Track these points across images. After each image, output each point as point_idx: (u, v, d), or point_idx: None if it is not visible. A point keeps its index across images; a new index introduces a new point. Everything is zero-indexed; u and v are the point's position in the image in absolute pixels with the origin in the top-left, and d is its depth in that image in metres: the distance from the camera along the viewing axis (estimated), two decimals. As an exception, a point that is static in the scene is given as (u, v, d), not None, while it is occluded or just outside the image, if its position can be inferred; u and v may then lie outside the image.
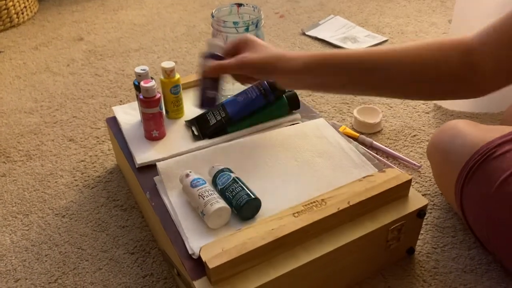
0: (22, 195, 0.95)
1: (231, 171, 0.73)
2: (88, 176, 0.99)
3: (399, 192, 0.72)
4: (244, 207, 0.67)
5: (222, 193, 0.70)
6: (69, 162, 1.03)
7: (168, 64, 0.86)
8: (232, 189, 0.69)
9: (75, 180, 0.98)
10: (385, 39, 1.50)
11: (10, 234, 0.86)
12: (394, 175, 0.71)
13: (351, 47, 1.45)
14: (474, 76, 0.56)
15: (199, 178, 0.71)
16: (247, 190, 0.68)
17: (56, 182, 0.98)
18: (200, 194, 0.68)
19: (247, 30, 0.87)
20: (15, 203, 0.93)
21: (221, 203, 0.67)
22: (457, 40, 0.58)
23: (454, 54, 0.57)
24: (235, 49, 0.71)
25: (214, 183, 0.72)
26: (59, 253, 0.82)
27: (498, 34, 0.54)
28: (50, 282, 0.76)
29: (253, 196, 0.67)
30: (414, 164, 0.97)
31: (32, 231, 0.86)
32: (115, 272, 0.78)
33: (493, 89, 0.57)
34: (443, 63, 0.58)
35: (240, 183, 0.70)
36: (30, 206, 0.92)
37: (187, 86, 0.99)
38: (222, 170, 0.73)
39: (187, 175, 0.72)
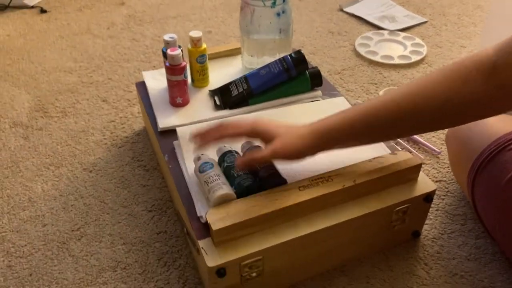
0: (55, 148, 1.02)
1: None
2: (117, 136, 1.04)
3: (408, 175, 0.72)
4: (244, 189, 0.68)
5: (228, 170, 0.70)
6: (100, 121, 1.09)
7: (195, 33, 0.88)
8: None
9: (104, 138, 1.04)
10: (425, 20, 1.46)
11: (42, 184, 0.93)
12: (404, 159, 0.72)
13: (388, 26, 1.43)
14: (504, 96, 0.55)
15: (206, 163, 0.70)
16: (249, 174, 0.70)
17: (87, 139, 1.04)
18: (206, 180, 0.68)
19: (274, 4, 0.88)
20: (48, 155, 1.00)
21: (224, 190, 0.66)
22: (478, 61, 0.56)
23: (478, 78, 0.56)
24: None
25: (221, 160, 0.73)
26: (84, 204, 0.88)
27: None
28: (73, 230, 0.83)
29: (251, 182, 0.69)
30: (434, 150, 0.96)
31: (61, 182, 0.93)
32: (132, 226, 0.83)
33: None
34: (468, 94, 0.57)
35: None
36: (61, 159, 0.99)
37: (214, 57, 1.01)
38: (230, 151, 0.73)
39: (199, 158, 0.73)
